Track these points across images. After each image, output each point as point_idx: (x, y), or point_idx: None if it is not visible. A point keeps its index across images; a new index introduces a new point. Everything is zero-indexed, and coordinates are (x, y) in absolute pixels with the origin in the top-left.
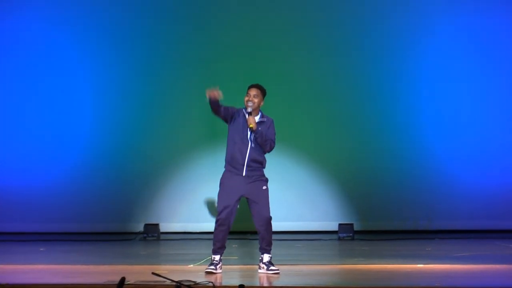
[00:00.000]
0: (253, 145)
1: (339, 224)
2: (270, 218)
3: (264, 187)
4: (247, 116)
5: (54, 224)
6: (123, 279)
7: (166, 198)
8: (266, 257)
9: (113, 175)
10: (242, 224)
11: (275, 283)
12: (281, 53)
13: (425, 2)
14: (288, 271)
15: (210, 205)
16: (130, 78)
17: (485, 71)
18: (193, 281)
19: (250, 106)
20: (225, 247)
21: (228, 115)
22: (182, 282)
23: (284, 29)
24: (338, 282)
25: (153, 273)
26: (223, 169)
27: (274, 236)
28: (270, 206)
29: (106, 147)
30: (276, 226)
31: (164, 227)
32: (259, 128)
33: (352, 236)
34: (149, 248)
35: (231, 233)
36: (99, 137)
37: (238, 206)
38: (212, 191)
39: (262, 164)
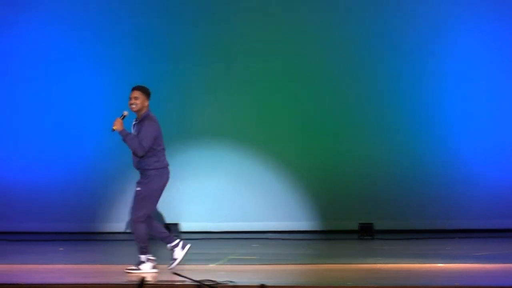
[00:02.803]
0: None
1: (359, 224)
2: (130, 220)
3: (138, 188)
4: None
5: (74, 224)
6: (143, 279)
7: (186, 198)
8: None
9: (133, 175)
10: (262, 224)
11: (295, 282)
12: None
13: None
14: (308, 270)
15: (230, 204)
16: (143, 77)
17: (507, 68)
18: (214, 281)
19: (131, 108)
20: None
21: None
22: (202, 282)
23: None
24: (357, 281)
25: (173, 273)
26: (240, 169)
27: (298, 235)
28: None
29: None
30: (297, 225)
31: (184, 226)
32: (124, 131)
33: (372, 236)
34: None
35: (251, 232)
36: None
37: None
38: (232, 190)
39: (140, 164)
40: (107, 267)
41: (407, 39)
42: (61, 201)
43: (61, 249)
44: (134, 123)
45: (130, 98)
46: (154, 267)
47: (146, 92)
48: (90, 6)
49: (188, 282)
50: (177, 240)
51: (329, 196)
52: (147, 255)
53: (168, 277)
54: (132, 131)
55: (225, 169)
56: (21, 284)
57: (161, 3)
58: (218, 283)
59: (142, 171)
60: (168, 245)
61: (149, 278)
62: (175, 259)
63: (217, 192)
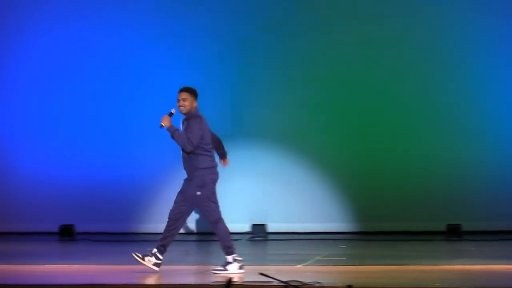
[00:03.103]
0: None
1: (446, 225)
2: (210, 225)
3: (198, 193)
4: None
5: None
6: (230, 279)
7: (274, 198)
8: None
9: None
10: (345, 225)
11: (383, 283)
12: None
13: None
14: (395, 271)
15: (317, 205)
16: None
17: None
18: (301, 282)
19: (180, 109)
20: (165, 249)
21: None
22: (289, 283)
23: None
24: (445, 282)
25: (260, 273)
26: (324, 172)
27: (384, 237)
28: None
29: None
30: (385, 226)
31: (272, 227)
32: (173, 127)
33: (460, 237)
34: (257, 248)
35: (339, 233)
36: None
37: (186, 210)
38: (315, 192)
39: (190, 165)
40: (197, 267)
41: (473, 39)
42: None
43: (149, 249)
44: (182, 119)
45: (179, 100)
46: (240, 267)
47: (193, 93)
48: (156, 6)
49: (275, 282)
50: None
51: (415, 197)
52: (233, 255)
53: (255, 278)
54: (181, 128)
55: (312, 171)
56: (127, 285)
57: (226, 6)
58: (304, 284)
59: (192, 171)
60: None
61: (235, 278)
62: (226, 270)
63: (303, 193)
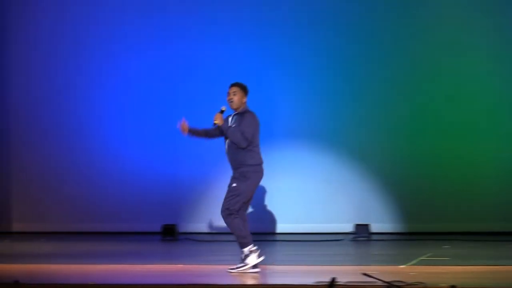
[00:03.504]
0: (227, 144)
1: None
2: (221, 213)
3: (234, 185)
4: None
5: (265, 225)
6: (333, 280)
7: (376, 198)
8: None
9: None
10: (453, 225)
11: (486, 284)
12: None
13: None
14: (498, 271)
15: (423, 205)
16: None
17: None
18: (404, 282)
19: (229, 103)
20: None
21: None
22: (392, 283)
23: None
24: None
25: (363, 274)
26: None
27: (485, 237)
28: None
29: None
30: (488, 227)
31: (374, 227)
32: (226, 124)
33: None
34: (360, 248)
35: (441, 233)
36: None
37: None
38: (419, 192)
39: (238, 161)
40: (297, 267)
41: None
42: None
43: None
44: (232, 115)
45: (229, 94)
46: (259, 256)
47: (244, 89)
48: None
49: (378, 283)
50: (256, 247)
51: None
52: (249, 247)
53: (358, 278)
54: (230, 123)
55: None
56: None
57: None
58: (407, 284)
59: (238, 167)
60: (245, 249)
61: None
62: (245, 264)
63: (406, 193)
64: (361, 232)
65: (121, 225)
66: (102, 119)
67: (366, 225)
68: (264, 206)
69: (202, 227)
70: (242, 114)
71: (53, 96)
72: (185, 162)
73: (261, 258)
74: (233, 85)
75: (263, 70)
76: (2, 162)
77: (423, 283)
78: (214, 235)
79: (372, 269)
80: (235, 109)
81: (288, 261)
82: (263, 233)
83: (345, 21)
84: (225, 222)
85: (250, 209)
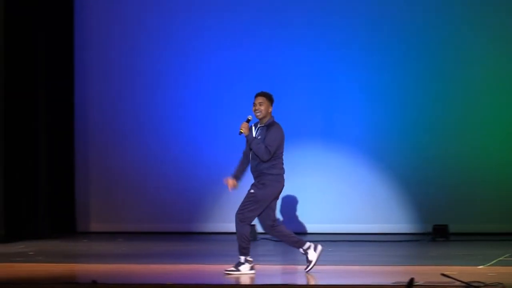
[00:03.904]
0: (251, 154)
1: None
2: (237, 218)
3: (252, 191)
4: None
5: (342, 225)
6: (412, 280)
7: (455, 199)
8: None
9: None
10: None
11: None
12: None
13: None
14: None
15: (500, 205)
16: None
17: None
18: (482, 283)
19: (255, 114)
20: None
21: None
22: (471, 284)
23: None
24: None
25: (442, 274)
26: None
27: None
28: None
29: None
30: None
31: (454, 228)
32: (251, 135)
33: None
34: (438, 249)
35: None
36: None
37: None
38: (498, 192)
39: (259, 170)
40: (375, 268)
41: None
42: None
43: (329, 249)
44: (258, 126)
45: (255, 104)
46: (252, 268)
47: (270, 98)
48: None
49: (457, 283)
50: (309, 243)
51: None
52: (247, 256)
53: (436, 279)
54: (254, 134)
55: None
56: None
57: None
58: (486, 285)
59: (259, 174)
60: (301, 249)
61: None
62: (310, 262)
63: (483, 193)
64: (439, 233)
65: (198, 225)
66: (182, 119)
67: (445, 225)
68: (340, 207)
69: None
70: (268, 126)
71: (131, 97)
72: None
73: (253, 271)
74: (259, 95)
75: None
76: (80, 163)
77: (501, 283)
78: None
79: (451, 270)
80: (261, 119)
81: (366, 261)
82: (340, 234)
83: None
84: (236, 225)
85: (334, 210)
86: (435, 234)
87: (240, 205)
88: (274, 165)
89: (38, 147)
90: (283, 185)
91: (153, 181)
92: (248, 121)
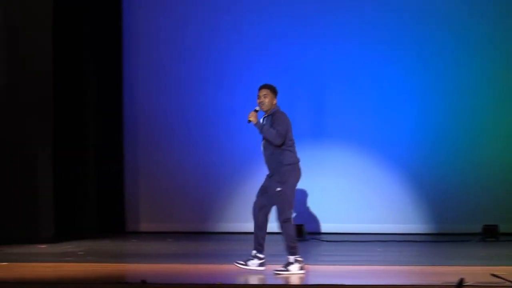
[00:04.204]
0: (263, 145)
1: None
2: (279, 223)
3: (278, 189)
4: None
5: (394, 225)
6: (462, 280)
7: (506, 199)
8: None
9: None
10: None
11: None
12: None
13: None
14: None
15: None
16: None
17: None
18: None
19: (258, 106)
20: (261, 246)
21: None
22: None
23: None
24: None
25: (492, 275)
26: None
27: None
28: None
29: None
30: None
31: (504, 228)
32: (260, 122)
33: None
34: (488, 249)
35: None
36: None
37: (265, 203)
38: None
39: (274, 161)
40: (425, 268)
41: None
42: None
43: (379, 250)
44: (264, 116)
45: (259, 97)
46: (301, 268)
47: (274, 90)
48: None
49: (507, 284)
50: (301, 258)
51: None
52: (296, 256)
53: (486, 279)
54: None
55: None
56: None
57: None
58: None
59: (276, 167)
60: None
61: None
62: (288, 270)
63: None
64: (489, 233)
65: (247, 226)
66: (229, 118)
67: (495, 225)
68: (388, 207)
69: (329, 227)
70: (272, 115)
71: (180, 96)
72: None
73: (303, 271)
74: (263, 87)
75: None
76: (130, 163)
77: None
78: (341, 236)
79: (501, 270)
80: (266, 111)
81: (414, 262)
82: (388, 234)
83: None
84: (282, 228)
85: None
86: (485, 234)
87: (278, 209)
88: (288, 155)
89: (87, 148)
90: (300, 173)
91: (204, 181)
92: (256, 111)
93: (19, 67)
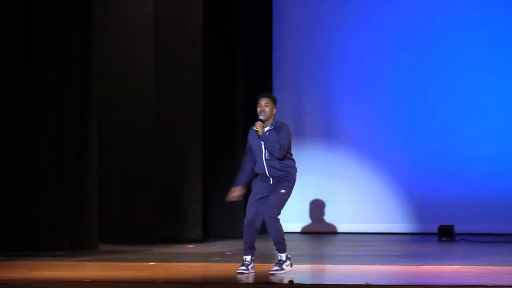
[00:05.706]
0: (267, 154)
1: None
2: (268, 218)
3: (283, 191)
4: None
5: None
6: None
7: None
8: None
9: None
10: None
11: None
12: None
13: None
14: None
15: None
16: None
17: None
18: None
19: (262, 115)
20: (254, 248)
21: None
22: None
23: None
24: None
25: None
26: None
27: None
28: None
29: None
30: None
31: None
32: (266, 134)
33: None
34: None
35: None
36: None
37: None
38: None
39: (283, 170)
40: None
41: None
42: None
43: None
44: (267, 130)
45: (261, 105)
46: (291, 265)
47: (275, 100)
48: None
49: None
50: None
51: None
52: (287, 253)
53: None
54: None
55: None
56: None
57: None
58: None
59: (279, 174)
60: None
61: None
62: (282, 269)
63: None
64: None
65: (398, 226)
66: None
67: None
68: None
69: (480, 228)
70: (277, 128)
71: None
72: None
73: (293, 268)
74: (264, 96)
75: None
76: None
77: None
78: (488, 236)
79: None
80: (265, 121)
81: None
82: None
83: None
84: (271, 227)
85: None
86: None
87: (273, 206)
88: (293, 163)
89: (236, 150)
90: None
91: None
92: (261, 121)
93: (169, 63)
